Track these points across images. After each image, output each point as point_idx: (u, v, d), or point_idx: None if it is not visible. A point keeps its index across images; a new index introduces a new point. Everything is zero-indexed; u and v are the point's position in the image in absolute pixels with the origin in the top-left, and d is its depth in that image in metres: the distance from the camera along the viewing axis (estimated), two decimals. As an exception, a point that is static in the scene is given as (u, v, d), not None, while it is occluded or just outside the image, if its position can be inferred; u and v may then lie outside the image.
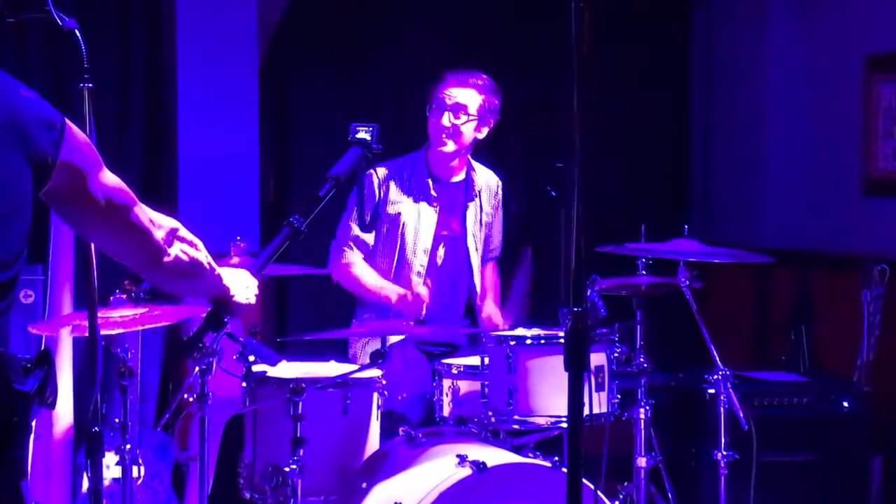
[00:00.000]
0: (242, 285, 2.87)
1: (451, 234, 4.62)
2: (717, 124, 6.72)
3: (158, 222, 2.57)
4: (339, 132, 6.02)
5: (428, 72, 5.96)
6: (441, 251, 4.60)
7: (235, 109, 5.79)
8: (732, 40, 6.62)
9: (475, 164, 4.69)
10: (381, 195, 4.56)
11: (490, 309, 4.64)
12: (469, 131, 4.51)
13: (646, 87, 6.51)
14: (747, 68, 6.53)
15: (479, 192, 4.66)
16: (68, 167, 2.32)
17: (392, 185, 4.57)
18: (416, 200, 4.57)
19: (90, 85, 2.85)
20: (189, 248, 2.63)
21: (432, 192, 4.58)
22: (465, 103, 4.49)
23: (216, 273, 2.76)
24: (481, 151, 4.82)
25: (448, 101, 4.50)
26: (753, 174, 6.49)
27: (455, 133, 4.50)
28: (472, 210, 4.64)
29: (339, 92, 6.05)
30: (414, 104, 5.94)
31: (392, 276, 4.58)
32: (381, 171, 4.58)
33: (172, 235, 2.60)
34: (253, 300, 2.89)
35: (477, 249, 4.66)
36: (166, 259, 2.57)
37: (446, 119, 4.49)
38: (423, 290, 4.37)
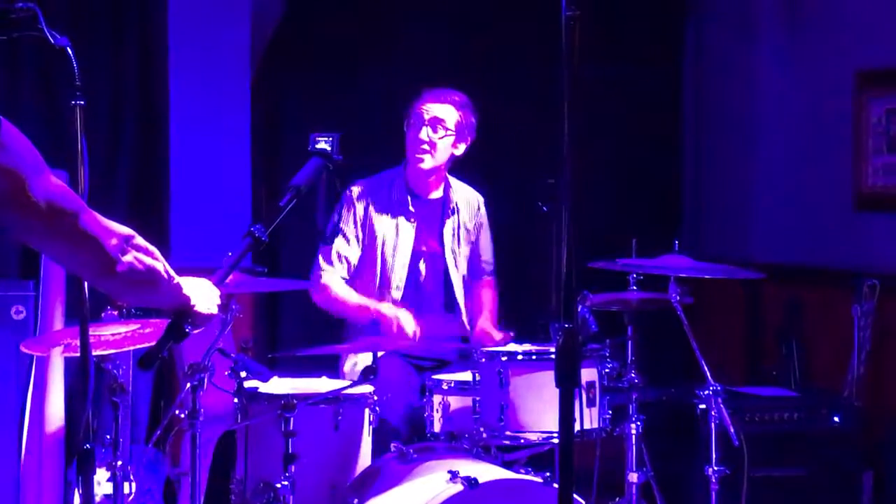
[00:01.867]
0: (204, 295, 2.76)
1: (429, 250, 4.62)
2: (707, 140, 6.74)
3: (110, 229, 2.47)
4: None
5: (420, 87, 6.00)
6: (422, 267, 4.60)
7: (227, 125, 5.80)
8: (723, 56, 6.65)
9: (453, 182, 4.70)
10: (361, 212, 4.56)
11: (485, 326, 4.63)
12: (446, 146, 4.53)
13: (636, 103, 6.53)
14: (738, 83, 6.55)
15: (457, 208, 4.66)
16: (2, 170, 2.24)
17: (370, 201, 4.58)
18: (393, 216, 4.58)
19: (82, 102, 2.85)
20: (145, 256, 2.52)
21: (410, 208, 4.58)
22: (443, 118, 4.52)
23: (175, 282, 2.66)
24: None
25: (426, 116, 4.52)
26: (744, 189, 6.50)
27: (432, 148, 4.52)
28: (449, 227, 4.64)
29: (331, 107, 6.05)
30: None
31: (375, 292, 4.58)
32: (359, 189, 4.59)
33: (126, 243, 2.49)
34: (215, 310, 2.78)
35: (457, 266, 4.65)
36: (119, 268, 2.46)
37: (424, 134, 4.52)
38: (407, 321, 4.38)
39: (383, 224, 4.57)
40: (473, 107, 4.60)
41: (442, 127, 4.51)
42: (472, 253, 4.71)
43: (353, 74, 6.05)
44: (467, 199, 4.71)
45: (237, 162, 5.83)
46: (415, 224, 4.58)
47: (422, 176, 4.59)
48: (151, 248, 2.57)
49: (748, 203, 6.47)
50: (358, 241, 4.58)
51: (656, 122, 6.66)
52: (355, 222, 4.56)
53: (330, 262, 4.57)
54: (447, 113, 4.52)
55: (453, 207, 4.65)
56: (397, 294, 4.56)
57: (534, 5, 5.77)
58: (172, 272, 2.65)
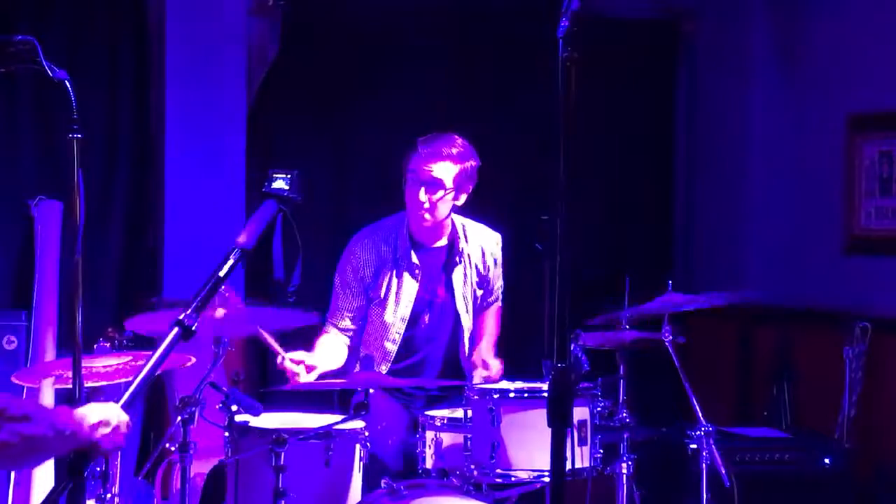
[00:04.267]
0: (109, 425, 2.52)
1: (435, 298, 4.57)
2: (700, 181, 6.76)
3: None
4: (325, 182, 6.10)
5: (415, 123, 6.00)
6: (426, 318, 4.56)
7: (223, 158, 5.81)
8: (715, 98, 6.68)
9: (467, 224, 4.62)
10: (361, 266, 4.52)
11: (483, 354, 4.49)
12: (447, 204, 4.43)
13: (629, 143, 6.56)
14: (730, 126, 6.58)
15: (468, 256, 4.60)
16: None
17: (371, 256, 4.52)
18: (397, 270, 4.51)
19: (79, 135, 2.86)
20: (23, 426, 2.34)
21: (414, 261, 4.52)
22: (441, 178, 4.38)
23: (69, 433, 2.44)
24: (466, 204, 4.82)
25: (423, 177, 4.39)
26: (736, 231, 6.52)
27: (433, 208, 4.42)
28: (458, 273, 4.57)
29: (326, 142, 6.08)
30: (400, 155, 5.98)
31: (368, 337, 4.55)
32: (363, 240, 4.54)
33: None
34: (123, 443, 2.53)
35: (468, 311, 4.61)
36: None
37: (423, 195, 4.39)
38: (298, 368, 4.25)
39: (385, 277, 4.52)
40: (473, 150, 4.46)
41: (440, 188, 4.39)
42: (484, 291, 4.66)
43: (348, 108, 6.07)
44: (481, 244, 4.63)
45: (232, 194, 5.84)
46: (419, 276, 4.54)
47: (423, 229, 4.53)
48: (31, 409, 2.39)
49: (740, 245, 6.49)
50: (362, 293, 4.53)
51: (648, 162, 6.68)
52: (354, 278, 4.52)
53: (332, 322, 4.56)
54: (444, 172, 4.39)
55: (464, 255, 4.60)
56: (392, 347, 4.53)
57: (529, 43, 5.82)
58: (66, 418, 2.45)
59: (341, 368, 4.50)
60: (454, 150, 4.40)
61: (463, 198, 4.48)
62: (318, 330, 4.53)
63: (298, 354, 4.24)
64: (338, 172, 6.11)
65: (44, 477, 4.84)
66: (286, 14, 6.02)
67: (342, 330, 4.53)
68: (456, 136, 4.46)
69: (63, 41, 5.39)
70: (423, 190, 4.39)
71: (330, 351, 4.48)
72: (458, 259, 4.56)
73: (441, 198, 4.39)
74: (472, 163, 4.44)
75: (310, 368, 4.23)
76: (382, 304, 4.51)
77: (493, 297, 4.70)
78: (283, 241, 3.18)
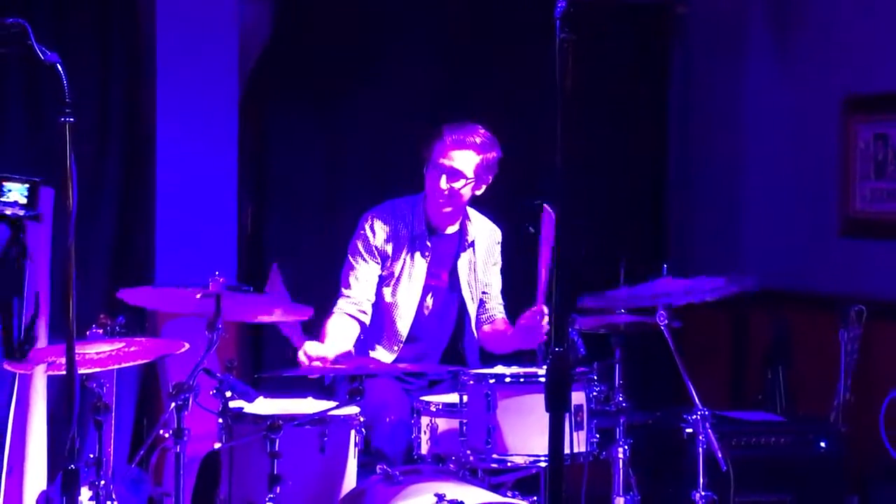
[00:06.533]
0: None
1: (439, 283, 4.58)
2: (695, 164, 6.74)
3: None
4: (318, 168, 6.08)
5: (409, 109, 5.97)
6: (429, 301, 4.56)
7: (214, 144, 5.78)
8: (710, 81, 6.66)
9: (473, 214, 4.65)
10: (375, 241, 4.51)
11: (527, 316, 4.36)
12: (466, 193, 4.46)
13: (623, 128, 6.53)
14: (725, 109, 6.57)
15: (473, 241, 4.61)
16: None
17: (387, 231, 4.52)
18: (410, 250, 4.53)
19: (71, 119, 2.84)
20: None
21: (427, 244, 4.54)
22: (462, 168, 4.42)
23: None
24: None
25: (445, 164, 4.42)
26: (731, 214, 6.51)
27: (452, 195, 4.45)
28: (464, 260, 4.58)
29: (318, 127, 6.05)
30: (395, 140, 5.96)
31: (376, 317, 4.53)
32: (377, 219, 4.53)
33: None
34: None
35: (473, 299, 4.62)
36: None
37: (444, 182, 4.43)
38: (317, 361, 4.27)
39: (397, 257, 4.52)
40: (495, 141, 4.50)
41: (462, 177, 4.43)
42: (481, 292, 4.66)
43: (341, 94, 6.04)
44: (485, 235, 4.66)
45: (224, 180, 5.82)
46: (428, 259, 4.54)
47: (442, 215, 4.54)
48: None
49: (736, 228, 6.48)
50: (378, 264, 4.51)
51: (643, 147, 6.66)
52: (369, 250, 4.50)
53: (347, 286, 4.53)
54: (466, 162, 4.43)
55: (470, 242, 4.60)
56: (404, 327, 4.52)
57: (522, 29, 5.80)
58: None
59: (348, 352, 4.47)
60: (477, 140, 4.45)
61: (483, 188, 4.51)
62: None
63: (315, 350, 4.22)
64: (331, 159, 6.08)
65: (36, 466, 4.82)
66: (279, -3, 6.00)
67: (355, 303, 4.50)
68: (479, 127, 4.50)
69: (52, 25, 5.35)
70: (444, 178, 4.43)
71: (342, 337, 4.43)
72: (465, 245, 4.57)
73: (462, 186, 4.43)
74: (494, 154, 4.49)
75: (326, 364, 4.21)
76: (396, 282, 4.51)
77: (491, 308, 4.67)
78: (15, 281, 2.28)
